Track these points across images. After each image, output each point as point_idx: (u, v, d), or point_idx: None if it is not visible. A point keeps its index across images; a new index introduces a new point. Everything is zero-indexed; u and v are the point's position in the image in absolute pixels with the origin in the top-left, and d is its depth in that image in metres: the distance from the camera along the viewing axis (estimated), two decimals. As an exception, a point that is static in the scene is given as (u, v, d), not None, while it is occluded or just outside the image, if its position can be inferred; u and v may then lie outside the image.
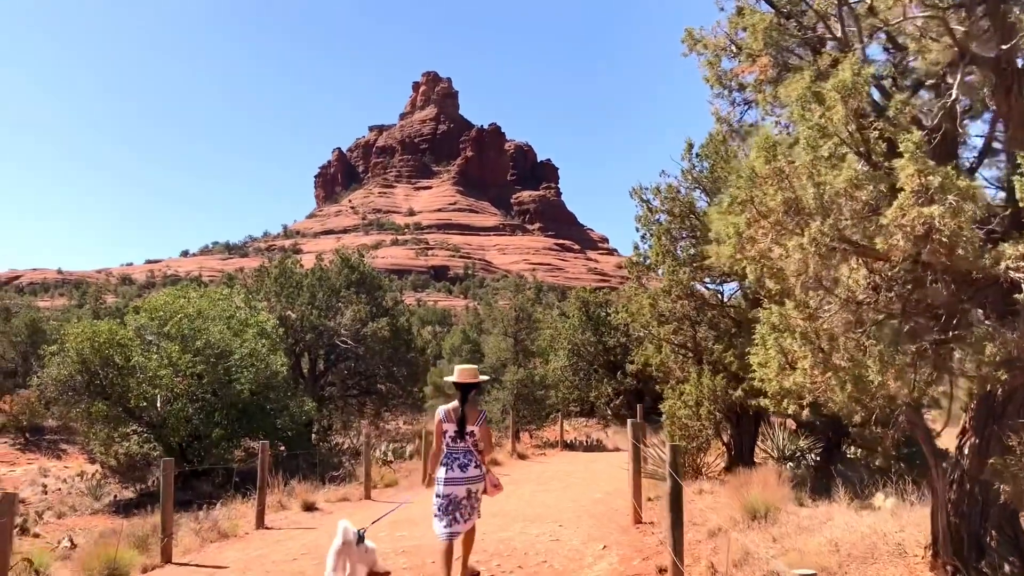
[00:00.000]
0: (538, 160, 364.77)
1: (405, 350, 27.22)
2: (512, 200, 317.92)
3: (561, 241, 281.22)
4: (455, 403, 7.17)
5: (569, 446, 26.35)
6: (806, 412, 6.23)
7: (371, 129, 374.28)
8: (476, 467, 7.06)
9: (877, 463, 14.85)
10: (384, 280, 28.78)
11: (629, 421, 10.11)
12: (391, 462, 20.64)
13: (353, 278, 26.58)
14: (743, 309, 12.92)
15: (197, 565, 8.91)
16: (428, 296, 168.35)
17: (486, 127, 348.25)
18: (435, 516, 6.98)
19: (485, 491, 7.17)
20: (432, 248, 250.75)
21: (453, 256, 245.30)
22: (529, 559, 8.14)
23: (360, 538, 7.08)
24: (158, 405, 19.74)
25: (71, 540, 14.01)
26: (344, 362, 26.77)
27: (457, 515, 6.91)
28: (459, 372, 7.31)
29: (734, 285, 14.36)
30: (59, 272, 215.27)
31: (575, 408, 33.24)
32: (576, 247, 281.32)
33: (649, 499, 12.30)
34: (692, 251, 13.08)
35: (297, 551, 9.21)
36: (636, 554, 8.09)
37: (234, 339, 20.01)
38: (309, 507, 13.00)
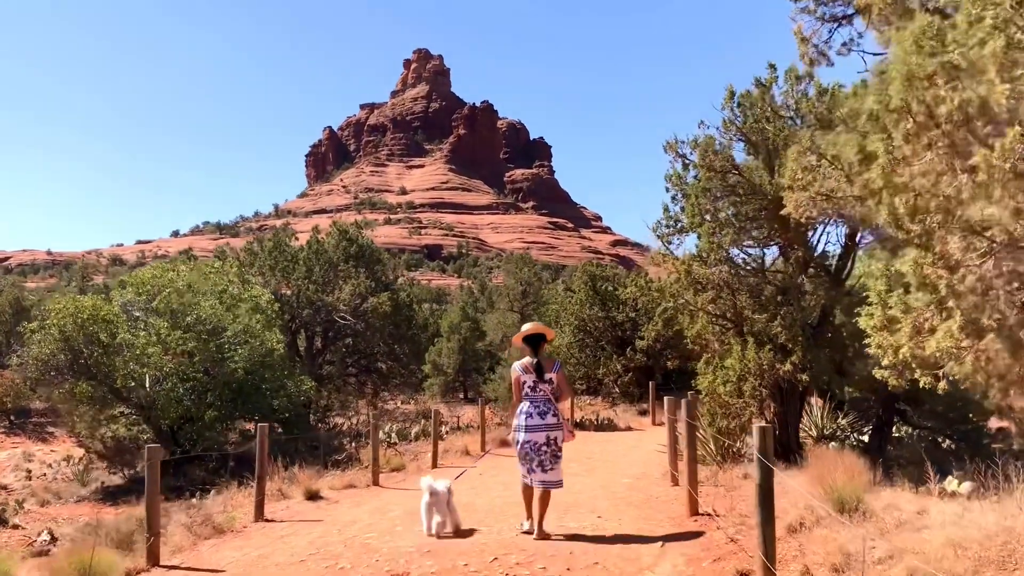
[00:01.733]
0: (531, 138, 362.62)
1: (407, 327, 26.02)
2: (505, 178, 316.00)
3: (555, 219, 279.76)
4: (526, 359, 7.73)
5: (579, 425, 25.19)
6: (941, 383, 5.04)
7: (362, 107, 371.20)
8: (554, 415, 7.64)
9: (945, 443, 13.81)
10: (384, 254, 27.47)
11: (681, 400, 8.91)
12: (395, 444, 19.46)
13: (352, 251, 25.29)
14: (790, 274, 11.70)
15: (189, 568, 7.69)
16: (422, 275, 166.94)
17: (478, 105, 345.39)
18: (520, 466, 7.76)
19: (564, 439, 7.75)
20: (425, 227, 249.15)
21: (446, 235, 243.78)
22: (576, 560, 6.95)
23: (449, 491, 8.17)
24: (147, 385, 18.49)
25: (51, 534, 12.81)
26: (343, 339, 25.56)
27: (537, 463, 7.51)
28: (528, 327, 7.94)
29: (774, 250, 13.18)
30: (48, 253, 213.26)
31: (580, 386, 32.08)
32: (570, 226, 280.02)
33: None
34: (732, 211, 11.83)
35: (304, 550, 8.01)
36: (704, 554, 6.90)
37: (226, 315, 18.75)
38: (312, 496, 11.79)
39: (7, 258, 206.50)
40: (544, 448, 7.50)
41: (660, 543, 7.37)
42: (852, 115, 5.27)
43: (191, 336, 17.92)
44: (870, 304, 5.42)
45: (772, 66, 11.60)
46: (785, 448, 12.00)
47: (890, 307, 5.06)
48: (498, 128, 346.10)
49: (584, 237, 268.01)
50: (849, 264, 12.80)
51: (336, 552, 7.77)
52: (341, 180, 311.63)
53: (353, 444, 20.18)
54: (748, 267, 12.22)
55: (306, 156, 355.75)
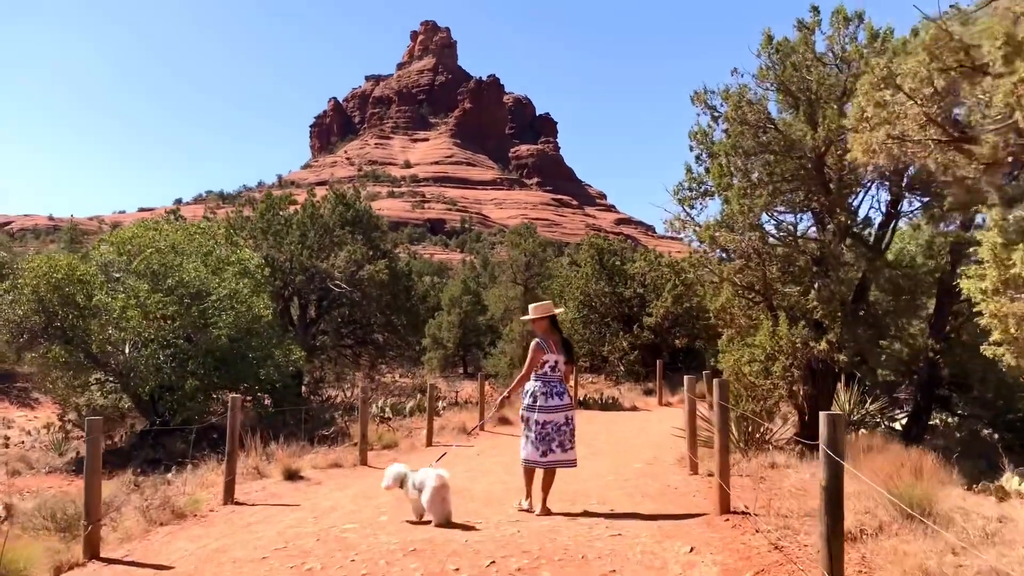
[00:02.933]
0: (536, 114, 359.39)
1: (405, 297, 24.80)
2: (510, 154, 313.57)
3: (559, 196, 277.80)
4: (542, 336, 7.55)
5: (583, 404, 24.06)
6: None
7: (368, 79, 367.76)
8: (568, 395, 7.61)
9: (984, 433, 12.65)
10: (383, 220, 26.22)
11: (714, 380, 7.75)
12: (389, 419, 18.34)
13: (348, 216, 24.03)
14: (827, 243, 10.48)
15: (132, 563, 6.55)
16: (424, 249, 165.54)
17: (484, 79, 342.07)
18: (527, 443, 7.45)
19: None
20: (429, 201, 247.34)
21: (450, 209, 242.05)
22: (591, 567, 5.81)
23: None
24: (126, 351, 17.35)
25: (6, 508, 11.69)
26: (338, 309, 24.36)
27: (557, 444, 7.37)
28: (543, 308, 7.69)
29: (806, 217, 11.96)
30: (50, 219, 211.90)
31: (584, 364, 30.93)
32: (574, 203, 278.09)
33: (711, 474, 10.02)
34: (765, 171, 10.59)
35: (271, 542, 6.87)
36: (743, 564, 5.74)
37: (212, 278, 17.55)
38: (292, 475, 10.66)
39: (8, 222, 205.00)
40: (564, 428, 7.43)
41: (689, 548, 6.22)
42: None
43: (172, 300, 16.74)
44: (979, 263, 4.25)
45: (815, 8, 10.30)
46: (814, 436, 10.82)
47: (1011, 264, 3.86)
48: (504, 103, 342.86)
49: (588, 215, 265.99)
50: (889, 235, 11.60)
51: (306, 547, 6.63)
52: (345, 152, 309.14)
53: (345, 418, 19.06)
54: (781, 234, 11.00)
55: (310, 127, 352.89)
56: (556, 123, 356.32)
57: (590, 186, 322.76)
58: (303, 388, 23.66)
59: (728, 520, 6.96)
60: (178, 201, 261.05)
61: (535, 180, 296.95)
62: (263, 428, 16.50)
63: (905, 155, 5.86)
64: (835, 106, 9.64)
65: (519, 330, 24.65)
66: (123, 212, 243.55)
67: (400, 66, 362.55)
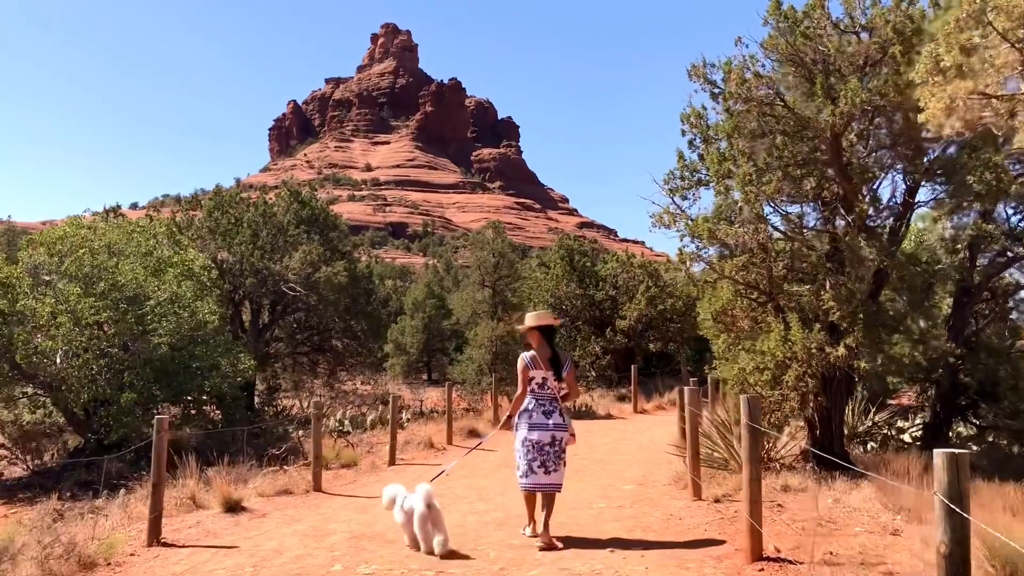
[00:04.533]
0: (499, 117, 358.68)
1: (365, 301, 23.30)
2: (472, 157, 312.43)
3: (522, 200, 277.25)
4: (533, 352, 7.13)
5: (554, 413, 22.81)
6: None
7: (327, 82, 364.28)
8: (560, 415, 7.07)
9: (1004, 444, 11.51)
10: (340, 220, 24.68)
11: (741, 397, 6.50)
12: (348, 433, 16.87)
13: (304, 215, 22.48)
14: (844, 235, 9.29)
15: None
16: (387, 253, 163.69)
17: (446, 82, 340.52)
18: (518, 467, 7.03)
19: (567, 441, 7.11)
20: (390, 204, 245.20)
21: (412, 213, 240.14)
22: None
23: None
24: (57, 361, 15.66)
25: None
26: (293, 313, 22.78)
27: (539, 464, 6.88)
28: (538, 317, 7.36)
29: (809, 210, 10.80)
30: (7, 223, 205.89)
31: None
32: (537, 206, 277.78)
33: (718, 500, 8.76)
34: (774, 154, 9.36)
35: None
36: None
37: (151, 280, 15.93)
38: (233, 506, 9.20)
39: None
40: (548, 448, 6.91)
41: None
42: None
43: (106, 304, 15.10)
44: None
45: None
46: (826, 451, 9.62)
47: None
48: (466, 106, 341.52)
49: (551, 219, 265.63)
50: (904, 227, 10.49)
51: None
52: (305, 155, 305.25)
53: (299, 432, 17.53)
54: (788, 226, 9.81)
55: (269, 130, 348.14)
56: (518, 127, 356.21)
57: (552, 190, 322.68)
58: (255, 399, 22.06)
59: (763, 571, 5.66)
60: (134, 205, 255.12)
61: (497, 184, 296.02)
62: (208, 447, 14.98)
63: (995, 118, 4.66)
64: (856, 78, 8.47)
65: (487, 335, 23.27)
66: (78, 216, 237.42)
67: (360, 69, 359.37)
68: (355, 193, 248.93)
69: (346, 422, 18.28)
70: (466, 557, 6.53)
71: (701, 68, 9.56)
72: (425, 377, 41.27)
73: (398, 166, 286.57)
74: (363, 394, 30.17)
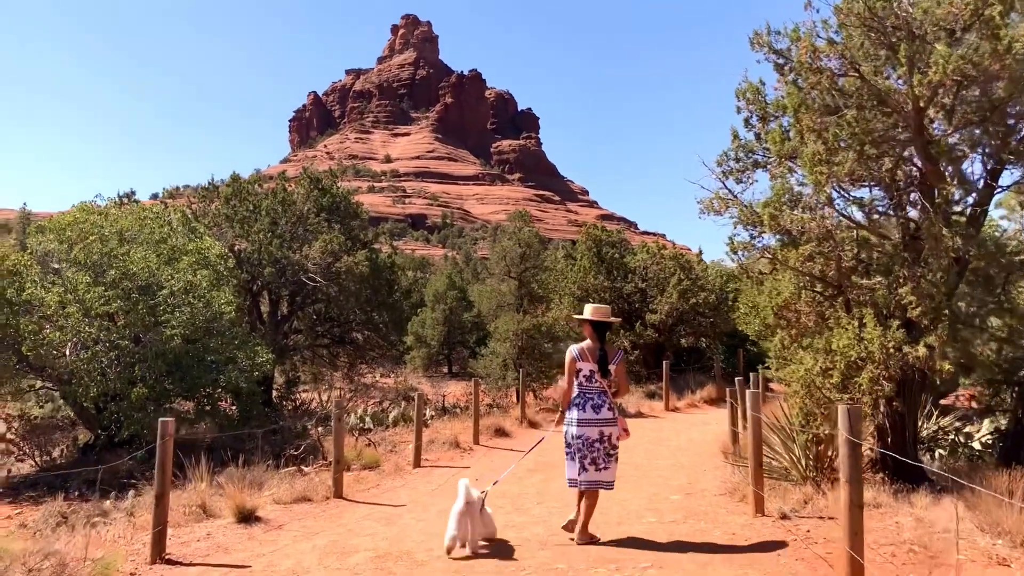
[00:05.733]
0: (519, 109, 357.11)
1: (387, 292, 22.47)
2: (492, 149, 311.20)
3: (541, 192, 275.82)
4: (587, 342, 6.99)
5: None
6: None
7: (348, 73, 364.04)
8: (609, 409, 6.94)
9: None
10: (362, 209, 23.85)
11: (841, 408, 5.60)
12: (369, 431, 16.06)
13: (324, 202, 21.67)
14: (927, 222, 8.31)
15: None
16: (406, 244, 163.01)
17: (466, 73, 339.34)
18: (568, 461, 6.88)
19: (619, 436, 6.94)
20: (409, 196, 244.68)
21: (431, 205, 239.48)
22: None
23: (482, 503, 6.75)
24: (67, 353, 14.95)
25: None
26: (313, 304, 22.00)
27: (590, 461, 6.74)
28: (594, 310, 7.15)
29: (880, 194, 9.82)
30: (22, 211, 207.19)
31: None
32: (556, 198, 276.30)
33: (784, 516, 7.85)
34: (846, 132, 8.39)
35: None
36: None
37: (164, 269, 15.18)
38: (247, 516, 8.39)
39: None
40: (597, 445, 6.81)
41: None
42: None
43: (116, 294, 14.35)
44: None
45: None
46: (898, 461, 8.67)
47: None
48: (486, 98, 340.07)
49: (571, 211, 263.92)
50: (983, 214, 9.49)
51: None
52: (325, 146, 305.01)
53: (319, 429, 16.75)
54: (862, 211, 8.85)
55: (290, 121, 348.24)
56: (538, 118, 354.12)
57: (572, 182, 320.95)
58: (273, 392, 21.31)
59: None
60: (154, 196, 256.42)
61: (517, 175, 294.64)
62: (222, 444, 14.21)
63: None
64: (945, 44, 7.50)
65: (512, 328, 22.38)
66: (87, 202, 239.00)
67: (381, 60, 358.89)
68: (375, 184, 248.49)
69: (367, 419, 17.47)
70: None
71: (765, 36, 8.62)
72: (446, 370, 40.50)
73: (418, 157, 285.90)
74: (383, 387, 29.45)
